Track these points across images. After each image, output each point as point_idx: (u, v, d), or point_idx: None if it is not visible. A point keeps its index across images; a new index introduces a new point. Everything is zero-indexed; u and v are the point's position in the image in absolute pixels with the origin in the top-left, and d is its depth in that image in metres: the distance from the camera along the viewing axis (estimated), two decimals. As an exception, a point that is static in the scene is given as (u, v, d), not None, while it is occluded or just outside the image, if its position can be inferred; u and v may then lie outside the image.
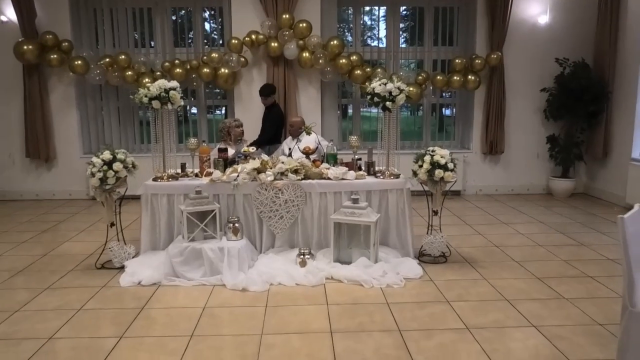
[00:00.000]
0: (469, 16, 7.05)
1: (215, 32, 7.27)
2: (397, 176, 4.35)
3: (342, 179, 4.24)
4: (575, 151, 6.88)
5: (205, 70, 6.51)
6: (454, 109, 7.46)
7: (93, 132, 7.10)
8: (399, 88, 4.15)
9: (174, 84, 4.22)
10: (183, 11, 7.03)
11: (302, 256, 4.03)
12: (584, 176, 7.22)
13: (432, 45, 7.15)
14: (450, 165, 4.10)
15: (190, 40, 7.03)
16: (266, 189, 4.17)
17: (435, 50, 7.17)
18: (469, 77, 6.73)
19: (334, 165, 4.40)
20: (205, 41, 7.16)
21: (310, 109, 6.89)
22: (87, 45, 6.89)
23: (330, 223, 4.06)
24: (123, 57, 6.52)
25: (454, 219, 5.78)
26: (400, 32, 7.13)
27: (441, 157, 4.08)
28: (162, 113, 4.24)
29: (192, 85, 6.78)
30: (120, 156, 4.04)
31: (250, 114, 6.77)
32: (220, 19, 7.08)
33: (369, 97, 4.27)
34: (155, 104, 4.09)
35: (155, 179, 4.29)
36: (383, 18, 7.23)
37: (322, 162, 4.50)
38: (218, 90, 7.29)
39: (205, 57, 6.58)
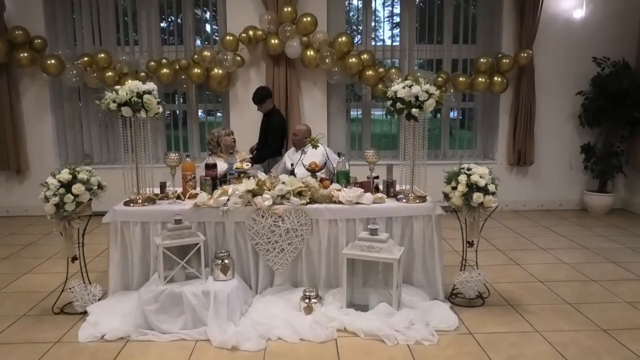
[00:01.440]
0: (494, 10, 6.26)
1: (207, 27, 6.48)
2: (424, 199, 3.56)
3: (357, 203, 3.45)
4: (614, 162, 6.08)
5: (196, 70, 5.73)
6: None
7: (70, 140, 6.31)
8: (427, 92, 3.35)
9: (150, 86, 3.43)
10: (172, 5, 6.23)
11: (307, 300, 3.24)
12: (623, 190, 6.41)
13: (452, 42, 6.36)
14: (492, 188, 3.31)
15: (179, 38, 6.24)
16: (263, 216, 3.39)
17: (456, 49, 6.38)
18: (495, 78, 5.94)
19: (346, 186, 3.61)
20: (197, 38, 6.38)
21: (314, 114, 6.11)
22: (63, 42, 6.11)
23: (342, 258, 3.27)
24: (102, 55, 5.74)
25: (482, 242, 4.96)
26: (416, 29, 6.33)
27: (480, 177, 3.28)
28: (136, 122, 3.45)
29: (181, 87, 5.99)
30: (82, 176, 3.25)
31: (247, 120, 5.99)
32: (213, 13, 6.30)
33: (389, 102, 3.48)
34: (126, 111, 3.30)
35: (127, 203, 3.50)
36: (397, 15, 6.44)
37: (331, 181, 3.71)
38: (208, 93, 6.50)
39: (196, 56, 5.80)
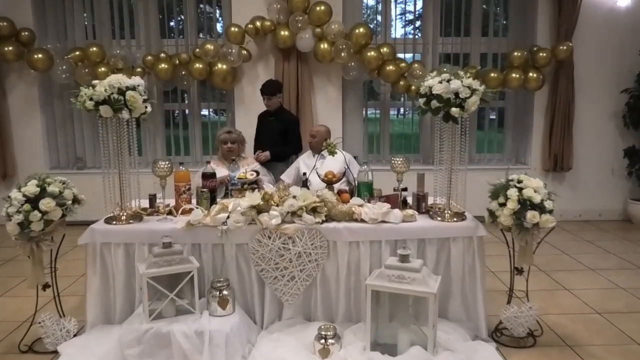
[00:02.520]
0: (528, -1, 5.63)
1: (209, 16, 5.92)
2: (463, 216, 2.96)
3: (382, 221, 2.87)
4: (662, 168, 5.44)
5: (197, 65, 5.17)
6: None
7: (62, 141, 5.78)
8: (469, 87, 2.76)
9: (136, 80, 2.87)
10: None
11: (322, 340, 2.65)
12: (672, 199, 5.76)
13: (480, 35, 5.74)
14: (549, 204, 2.71)
15: (180, 31, 5.67)
16: (270, 237, 2.81)
17: (485, 42, 5.76)
18: (530, 74, 5.31)
19: (369, 201, 3.01)
20: (199, 30, 5.83)
21: (328, 113, 5.52)
22: (54, 35, 5.58)
23: (364, 289, 2.69)
24: (95, 49, 5.20)
25: (500, 247, 4.34)
26: (441, 20, 5.72)
27: (535, 191, 2.68)
28: (120, 123, 2.90)
29: (181, 84, 5.44)
30: (52, 188, 2.70)
31: (254, 120, 5.40)
32: (217, 2, 5.74)
33: (422, 100, 2.89)
34: (105, 110, 2.74)
35: (108, 220, 2.95)
36: (419, 5, 5.84)
37: (351, 194, 3.13)
38: (213, 90, 5.94)
39: (197, 50, 5.24)
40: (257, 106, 5.44)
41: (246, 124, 5.44)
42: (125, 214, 2.95)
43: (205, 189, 3.08)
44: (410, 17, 5.98)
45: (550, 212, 2.70)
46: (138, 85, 2.83)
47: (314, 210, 2.86)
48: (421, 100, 2.89)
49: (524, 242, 2.78)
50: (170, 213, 3.07)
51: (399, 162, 2.99)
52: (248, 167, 3.49)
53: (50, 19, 5.55)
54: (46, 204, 2.63)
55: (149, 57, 5.21)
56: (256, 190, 2.96)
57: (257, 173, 3.20)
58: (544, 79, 5.38)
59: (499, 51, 5.71)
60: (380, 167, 5.63)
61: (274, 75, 5.36)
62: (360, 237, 2.85)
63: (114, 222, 2.91)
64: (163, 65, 5.16)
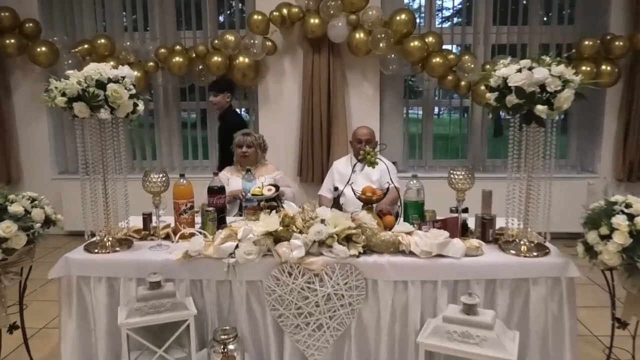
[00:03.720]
0: (599, -21, 4.82)
1: (232, 10, 5.31)
2: (546, 249, 2.24)
3: (439, 255, 2.18)
4: None
5: (216, 59, 4.57)
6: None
7: (70, 144, 5.29)
8: (560, 77, 2.04)
9: (123, 71, 2.27)
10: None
11: (359, 414, 1.98)
12: None
13: (541, 23, 4.96)
14: (674, 239, 1.96)
15: (198, 22, 5.08)
16: (291, 274, 2.16)
17: (547, 31, 4.98)
18: (603, 67, 4.50)
19: (420, 227, 2.32)
20: (219, 18, 5.24)
21: (364, 113, 4.84)
22: (61, 27, 5.08)
23: (415, 346, 2.01)
24: (103, 41, 4.66)
25: (597, 293, 3.55)
26: (494, 6, 4.97)
27: (652, 219, 1.95)
28: (104, 125, 2.31)
29: (199, 80, 4.85)
30: (14, 208, 2.12)
31: (281, 121, 4.83)
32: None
33: (493, 96, 2.18)
34: (79, 108, 2.14)
35: (88, 247, 2.35)
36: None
37: (397, 217, 2.44)
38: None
39: (216, 41, 4.64)
40: (283, 105, 4.84)
41: (270, 125, 4.86)
42: (110, 238, 2.34)
43: (211, 208, 2.45)
44: (458, 2, 5.23)
45: (675, 248, 1.95)
46: (124, 77, 2.21)
47: (348, 240, 2.19)
48: (491, 96, 2.18)
49: (635, 289, 2.03)
50: (167, 237, 2.46)
51: (461, 177, 2.28)
52: (266, 178, 2.83)
53: (58, 10, 5.05)
54: (5, 228, 2.04)
55: (162, 50, 4.65)
56: (274, 211, 2.30)
57: (276, 188, 2.54)
58: (620, 73, 4.56)
59: (564, 41, 4.91)
60: (421, 175, 4.94)
61: (302, 69, 4.72)
62: (409, 275, 2.17)
63: (96, 250, 2.31)
64: (177, 58, 4.58)
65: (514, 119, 2.18)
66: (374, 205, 2.46)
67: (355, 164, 2.76)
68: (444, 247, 2.18)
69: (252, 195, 2.50)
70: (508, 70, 2.11)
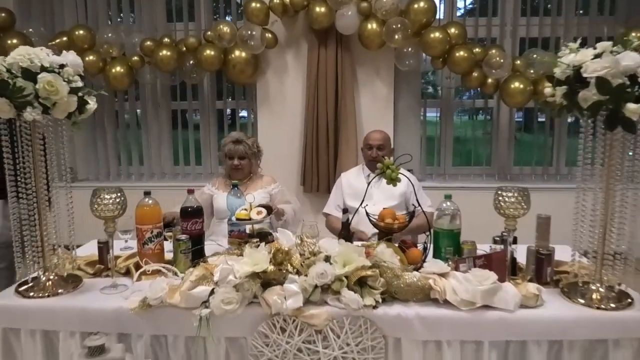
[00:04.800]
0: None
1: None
2: (628, 299, 1.67)
3: (485, 306, 1.61)
4: None
5: (208, 52, 4.02)
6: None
7: (49, 148, 4.74)
8: (658, 64, 1.47)
9: (67, 58, 1.72)
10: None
11: None
12: None
13: (576, 14, 4.38)
14: None
15: (190, 13, 4.54)
16: (284, 329, 1.61)
17: (584, 22, 4.39)
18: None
19: (456, 265, 1.75)
20: (214, 14, 4.70)
21: (376, 114, 4.28)
22: (39, 18, 4.55)
23: None
24: (82, 32, 4.13)
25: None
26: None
27: None
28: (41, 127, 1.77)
29: (189, 77, 4.30)
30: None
31: (282, 123, 4.29)
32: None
33: (561, 91, 1.62)
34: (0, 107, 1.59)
35: (21, 289, 1.80)
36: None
37: (425, 251, 1.87)
38: (230, 85, 4.78)
39: (209, 33, 4.10)
40: (285, 106, 4.30)
41: (270, 128, 4.31)
42: (51, 276, 1.80)
43: (184, 236, 1.90)
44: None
45: None
46: (64, 66, 1.66)
47: (361, 284, 1.64)
48: (560, 92, 1.61)
49: None
50: (127, 272, 1.91)
51: (513, 200, 1.70)
52: (255, 196, 2.25)
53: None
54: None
55: (149, 43, 4.10)
56: (262, 244, 1.73)
57: (268, 210, 1.98)
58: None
59: (605, 34, 4.32)
60: (441, 185, 4.38)
61: (307, 64, 4.16)
62: (445, 333, 1.61)
63: (31, 293, 1.76)
64: (165, 52, 4.03)
65: (588, 122, 1.61)
66: (394, 232, 1.90)
67: (371, 178, 2.16)
68: (492, 295, 1.61)
69: (237, 219, 1.94)
70: (582, 56, 1.54)
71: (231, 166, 2.72)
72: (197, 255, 1.90)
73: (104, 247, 1.98)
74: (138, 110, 4.70)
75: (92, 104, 1.82)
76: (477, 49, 3.94)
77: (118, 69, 4.11)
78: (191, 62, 4.17)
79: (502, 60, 3.85)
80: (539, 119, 4.71)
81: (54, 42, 4.20)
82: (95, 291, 1.80)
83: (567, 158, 4.58)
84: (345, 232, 1.93)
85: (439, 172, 4.67)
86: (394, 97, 4.32)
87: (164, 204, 2.02)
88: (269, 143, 4.36)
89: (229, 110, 4.78)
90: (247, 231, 2.00)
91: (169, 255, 1.98)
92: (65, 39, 4.22)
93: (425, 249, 1.86)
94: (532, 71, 3.94)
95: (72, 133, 1.81)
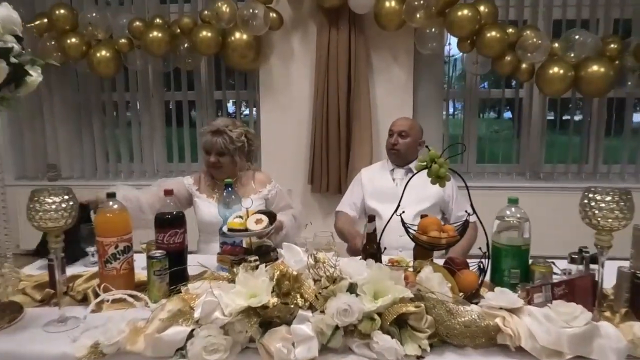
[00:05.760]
0: None
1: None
2: None
3: (578, 357, 1.13)
4: None
5: (204, 34, 3.56)
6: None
7: (29, 145, 4.28)
8: None
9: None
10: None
11: None
12: None
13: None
14: None
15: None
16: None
17: (629, 3, 3.89)
18: None
19: (528, 295, 1.27)
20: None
21: (393, 105, 3.80)
22: (17, -2, 4.09)
23: None
24: (62, 12, 3.68)
25: None
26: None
27: None
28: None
29: (184, 63, 3.83)
30: None
31: (287, 115, 3.83)
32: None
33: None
34: None
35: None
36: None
37: (480, 271, 1.40)
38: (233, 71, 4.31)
39: (206, 12, 3.63)
40: (291, 95, 3.85)
41: (275, 120, 3.86)
42: (-21, 307, 1.33)
43: (159, 253, 1.43)
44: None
45: None
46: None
47: (400, 323, 1.17)
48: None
49: None
50: (84, 299, 1.45)
51: (612, 206, 1.21)
52: (255, 197, 1.77)
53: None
54: None
55: (137, 23, 3.64)
56: (262, 266, 1.26)
57: (271, 218, 1.52)
58: None
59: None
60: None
61: (315, 47, 3.70)
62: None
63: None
64: (156, 33, 3.57)
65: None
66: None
67: (411, 176, 1.65)
68: (586, 342, 1.13)
69: (229, 230, 1.48)
70: None
71: (208, 163, 2.18)
72: (178, 278, 1.43)
73: (55, 266, 1.52)
74: (128, 101, 4.24)
75: (35, 76, 1.35)
76: (510, 29, 3.46)
77: (103, 53, 3.66)
78: (185, 45, 3.71)
79: (539, 42, 3.37)
80: (566, 117, 4.21)
81: (32, 24, 3.76)
82: (37, 327, 1.33)
83: (606, 156, 4.09)
84: (372, 248, 1.46)
85: (461, 170, 4.17)
86: (413, 85, 3.85)
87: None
88: (273, 137, 3.92)
89: (232, 105, 4.31)
90: (244, 244, 1.53)
91: (144, 274, 1.53)
92: (45, 20, 3.78)
93: (481, 271, 1.39)
94: (572, 55, 3.47)
95: (2, 109, 1.31)
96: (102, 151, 4.26)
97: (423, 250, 1.42)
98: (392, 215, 1.39)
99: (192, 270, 1.55)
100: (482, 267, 1.40)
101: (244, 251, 1.50)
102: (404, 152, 2.40)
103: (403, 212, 1.39)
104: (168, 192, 1.52)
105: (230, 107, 4.34)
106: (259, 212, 1.52)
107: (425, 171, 1.36)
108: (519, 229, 1.37)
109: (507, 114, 4.68)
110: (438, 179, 1.31)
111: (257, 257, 1.35)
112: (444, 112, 4.10)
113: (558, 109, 4.08)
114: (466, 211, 1.37)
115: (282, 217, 2.01)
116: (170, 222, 1.49)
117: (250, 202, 1.56)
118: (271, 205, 2.20)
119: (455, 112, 4.43)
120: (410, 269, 1.38)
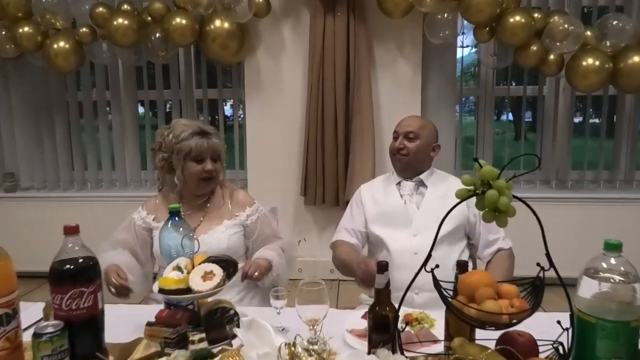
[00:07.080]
0: None
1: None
2: None
3: None
4: None
5: (178, 21, 3.05)
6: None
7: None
8: None
9: None
10: None
11: None
12: None
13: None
14: None
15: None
16: None
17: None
18: None
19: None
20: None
21: (399, 104, 3.31)
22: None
23: None
24: (13, -3, 3.17)
25: None
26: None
27: None
28: None
29: (158, 56, 3.31)
30: None
31: (276, 116, 3.33)
32: None
33: None
34: None
35: None
36: None
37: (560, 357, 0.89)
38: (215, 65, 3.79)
39: (181, -3, 3.13)
40: (281, 93, 3.34)
41: (262, 121, 3.38)
42: None
43: (50, 328, 0.91)
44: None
45: None
46: None
47: None
48: None
49: None
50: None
51: None
52: (230, 224, 1.27)
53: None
54: None
55: (101, 9, 3.12)
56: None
57: (230, 268, 1.01)
58: None
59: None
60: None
61: (308, 38, 3.20)
62: None
63: None
64: (121, 20, 3.06)
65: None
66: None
67: (457, 202, 1.06)
68: None
69: (159, 290, 0.96)
70: None
71: (198, 173, 1.67)
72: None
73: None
74: (95, 101, 3.72)
75: None
76: (536, 14, 2.94)
77: (62, 44, 3.15)
78: (157, 35, 3.19)
79: (570, 28, 2.86)
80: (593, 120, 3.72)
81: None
82: None
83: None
84: (384, 310, 0.95)
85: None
86: (421, 79, 3.34)
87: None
88: (259, 141, 3.41)
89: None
90: (194, 307, 1.01)
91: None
92: (-5, 9, 3.26)
93: (562, 357, 0.87)
94: (608, 43, 2.96)
95: None
96: (67, 158, 3.74)
97: (462, 321, 0.90)
98: (420, 270, 0.88)
99: (124, 336, 1.03)
100: (559, 348, 0.88)
101: (188, 319, 0.98)
102: (412, 159, 1.86)
103: (437, 266, 0.88)
104: (71, 230, 0.99)
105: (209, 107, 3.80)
106: (210, 259, 1.01)
107: (453, 189, 0.85)
108: (624, 295, 0.86)
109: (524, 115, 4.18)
110: (498, 213, 0.79)
111: (203, 335, 0.83)
112: (456, 110, 3.59)
113: (588, 107, 3.58)
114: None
115: (269, 252, 1.51)
116: (72, 275, 0.96)
117: (197, 244, 1.04)
118: (252, 235, 1.69)
119: (469, 112, 3.93)
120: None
